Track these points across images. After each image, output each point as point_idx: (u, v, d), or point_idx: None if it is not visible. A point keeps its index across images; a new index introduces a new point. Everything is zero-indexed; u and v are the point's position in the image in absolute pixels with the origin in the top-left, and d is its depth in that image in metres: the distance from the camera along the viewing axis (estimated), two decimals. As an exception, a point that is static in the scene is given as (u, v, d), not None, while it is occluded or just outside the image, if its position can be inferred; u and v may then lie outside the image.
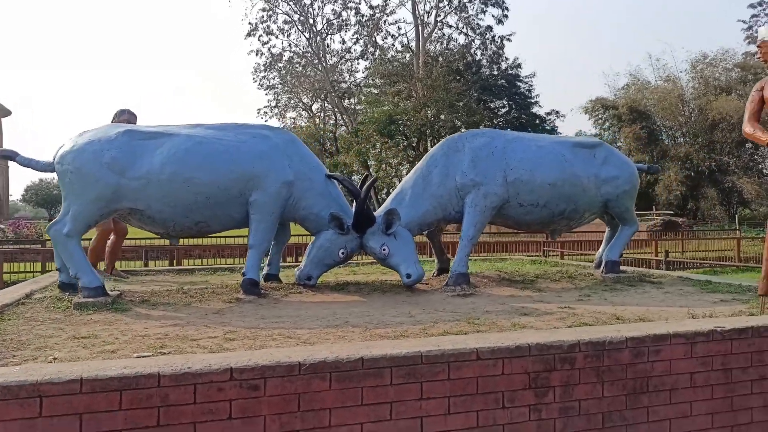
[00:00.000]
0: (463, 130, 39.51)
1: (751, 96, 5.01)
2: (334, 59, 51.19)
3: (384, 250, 6.06)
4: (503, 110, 43.17)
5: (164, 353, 3.43)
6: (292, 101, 56.48)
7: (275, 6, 47.17)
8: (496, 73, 42.42)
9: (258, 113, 53.20)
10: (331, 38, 50.12)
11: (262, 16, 46.94)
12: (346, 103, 50.23)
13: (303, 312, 4.95)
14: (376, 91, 45.59)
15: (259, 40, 49.13)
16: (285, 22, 48.43)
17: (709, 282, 6.62)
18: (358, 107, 45.81)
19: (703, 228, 31.50)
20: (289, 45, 48.18)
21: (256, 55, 49.16)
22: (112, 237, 7.53)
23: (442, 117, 36.44)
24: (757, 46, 4.85)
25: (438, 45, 42.73)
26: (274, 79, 54.42)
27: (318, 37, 49.15)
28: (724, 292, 6.02)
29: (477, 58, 42.00)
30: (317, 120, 54.58)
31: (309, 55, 50.44)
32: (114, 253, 7.58)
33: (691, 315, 4.58)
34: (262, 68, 52.90)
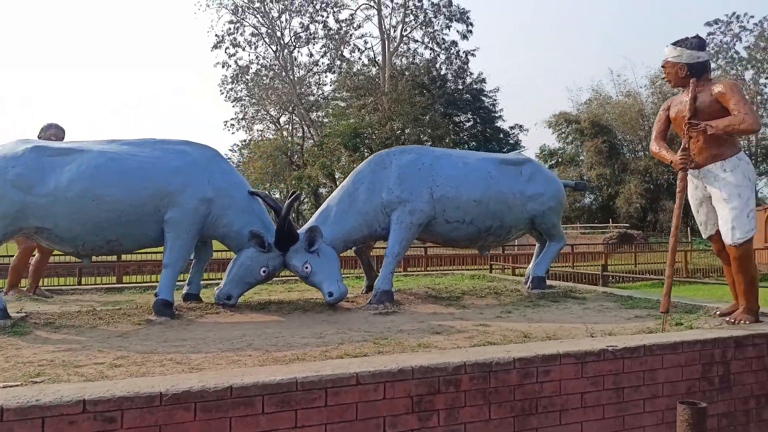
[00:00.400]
0: (428, 143, 39.82)
1: (659, 115, 5.10)
2: (302, 72, 51.12)
3: (306, 268, 5.99)
4: (468, 124, 43.60)
5: (36, 382, 3.29)
6: (259, 113, 56.14)
7: (242, 18, 47.00)
8: (461, 87, 42.87)
9: (225, 126, 52.78)
10: (298, 51, 50.01)
11: (229, 29, 46.68)
12: (313, 116, 50.17)
13: (211, 334, 4.83)
14: (343, 104, 45.66)
15: (225, 52, 48.74)
16: (252, 34, 48.25)
17: (630, 298, 6.70)
18: (325, 120, 45.80)
19: (660, 240, 32.17)
20: (257, 57, 47.84)
21: (222, 67, 48.71)
22: (36, 255, 7.31)
23: (407, 131, 36.63)
24: (662, 66, 4.94)
25: (404, 59, 43.06)
26: (241, 91, 53.96)
27: (285, 50, 49.10)
28: (641, 308, 6.09)
29: (442, 73, 42.42)
30: (284, 133, 54.32)
31: (276, 67, 50.30)
32: (38, 271, 7.36)
33: (590, 334, 4.60)
34: (229, 80, 52.44)
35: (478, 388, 3.47)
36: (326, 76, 50.35)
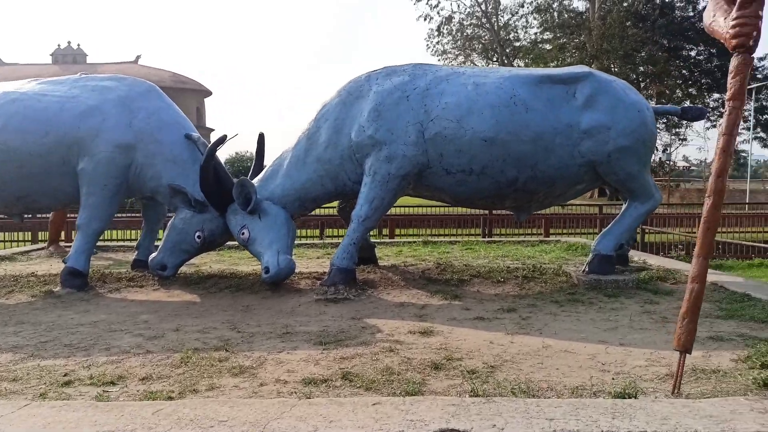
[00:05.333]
0: (642, 84, 34.08)
1: None
2: (507, 16, 47.89)
3: (243, 233, 4.59)
4: (700, 58, 36.18)
5: None
6: (464, 64, 54.51)
7: (444, -34, 45.10)
8: (691, 14, 35.58)
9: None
10: (503, -8, 46.70)
11: (431, -22, 45.18)
12: (516, 63, 46.84)
13: (89, 319, 3.89)
14: (549, 47, 41.52)
15: (427, 4, 47.67)
16: (454, -19, 46.17)
17: (745, 298, 3.98)
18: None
19: None
20: (458, 6, 45.95)
21: (425, 20, 47.78)
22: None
23: (615, 70, 31.51)
24: None
25: (618, -12, 37.21)
26: (447, 44, 52.71)
27: (489, -7, 46.26)
28: (743, 319, 3.51)
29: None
30: (489, 84, 51.69)
31: (479, 14, 47.87)
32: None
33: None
34: (435, 33, 51.45)
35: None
36: (534, 18, 46.41)
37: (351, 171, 4.65)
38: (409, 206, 14.22)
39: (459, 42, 49.61)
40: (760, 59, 33.29)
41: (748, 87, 2.31)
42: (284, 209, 4.67)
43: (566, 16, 38.33)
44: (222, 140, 4.61)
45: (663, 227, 12.46)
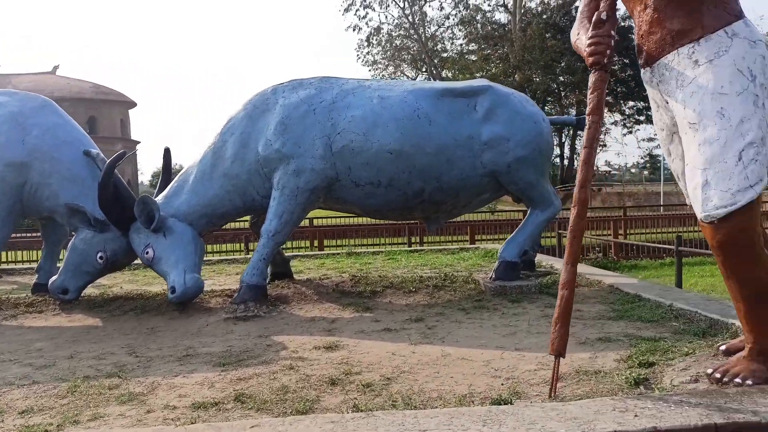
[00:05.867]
0: (562, 93, 35.53)
1: None
2: (433, 28, 48.84)
3: (147, 253, 4.45)
4: (615, 68, 38.19)
5: None
6: (395, 75, 55.06)
7: (372, -23, 45.59)
8: (606, 26, 37.56)
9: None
10: (429, 5, 47.59)
11: (358, -11, 45.46)
12: (444, 73, 47.73)
13: None
14: (474, 58, 42.62)
15: (356, 14, 47.92)
16: (381, -8, 46.64)
17: (636, 299, 4.21)
18: (449, 76, 43.24)
19: None
20: (386, 17, 46.47)
21: (354, 30, 48.04)
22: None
23: (537, 80, 32.75)
24: None
25: (535, 1, 38.77)
26: (377, 54, 53.06)
27: (416, 6, 47.10)
28: (633, 319, 3.71)
29: (584, 11, 37.43)
30: (418, 93, 52.48)
31: (406, 25, 48.58)
32: None
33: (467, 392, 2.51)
34: (365, 44, 51.69)
35: None
36: (460, 30, 47.55)
37: (259, 185, 4.61)
38: (337, 217, 14.20)
39: (389, 52, 50.19)
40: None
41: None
42: (191, 226, 4.56)
43: (489, 28, 39.54)
44: (121, 156, 4.46)
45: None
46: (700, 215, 2.22)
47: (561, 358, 2.37)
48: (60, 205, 4.57)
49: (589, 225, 15.42)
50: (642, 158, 40.02)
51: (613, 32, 2.37)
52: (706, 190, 2.19)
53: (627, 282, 4.91)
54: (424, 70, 48.16)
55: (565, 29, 35.96)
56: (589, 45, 2.37)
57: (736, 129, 2.16)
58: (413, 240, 12.91)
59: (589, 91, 2.42)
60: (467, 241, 13.29)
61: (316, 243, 13.02)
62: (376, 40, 49.05)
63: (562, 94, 36.31)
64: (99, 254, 4.58)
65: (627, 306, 4.05)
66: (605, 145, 40.30)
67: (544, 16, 36.91)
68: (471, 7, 41.16)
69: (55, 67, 44.21)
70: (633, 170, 58.27)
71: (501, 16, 40.67)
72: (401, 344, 3.45)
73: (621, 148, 78.24)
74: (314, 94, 4.65)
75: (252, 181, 4.61)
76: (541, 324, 3.77)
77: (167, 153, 5.17)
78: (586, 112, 2.43)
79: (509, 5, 39.29)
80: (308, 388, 2.73)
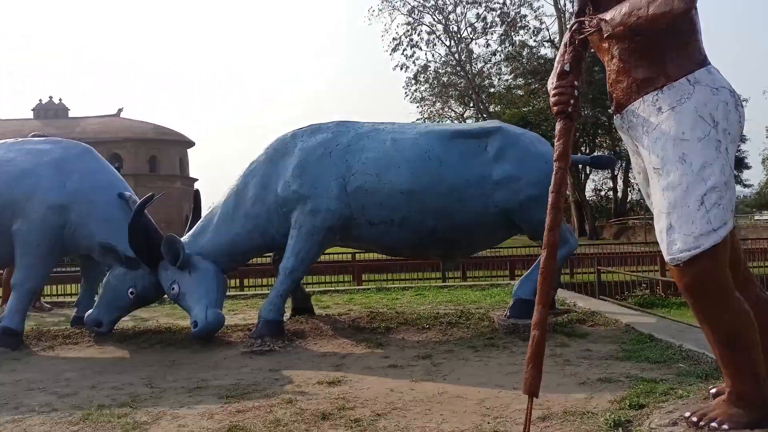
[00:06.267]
0: (612, 125, 34.91)
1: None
2: (480, 64, 49.24)
3: (173, 289, 4.71)
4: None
5: None
6: (443, 111, 55.63)
7: (419, 19, 46.59)
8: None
9: (409, 127, 53.04)
10: (475, 42, 48.14)
11: (406, 30, 46.52)
12: (492, 108, 47.85)
13: (12, 377, 4.01)
14: (521, 92, 42.66)
15: (403, 54, 48.82)
16: (428, 32, 47.64)
17: (649, 339, 4.14)
18: (497, 110, 43.35)
19: None
20: (432, 55, 47.23)
21: (401, 69, 48.92)
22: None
23: (586, 112, 32.37)
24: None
25: (583, 35, 38.69)
26: (425, 91, 53.78)
27: (462, 44, 47.73)
28: (640, 360, 3.69)
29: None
30: (467, 129, 52.87)
31: (452, 63, 49.17)
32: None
33: None
34: (413, 81, 52.51)
35: None
36: (506, 66, 47.79)
37: (278, 225, 4.83)
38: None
39: (436, 89, 50.75)
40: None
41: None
42: (214, 264, 4.80)
43: (536, 63, 39.50)
44: (149, 199, 4.78)
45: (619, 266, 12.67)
46: (666, 258, 2.26)
47: (535, 398, 2.41)
48: (96, 244, 4.90)
49: (636, 260, 15.03)
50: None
51: (576, 83, 2.46)
52: (671, 234, 2.23)
53: (645, 321, 4.84)
54: (471, 105, 48.49)
55: (613, 62, 35.67)
56: (553, 95, 2.47)
57: (698, 174, 2.21)
58: (451, 275, 12.88)
59: (555, 139, 2.51)
60: (507, 276, 13.17)
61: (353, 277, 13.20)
62: (424, 77, 49.77)
63: (614, 127, 35.70)
64: (130, 290, 4.87)
65: (637, 346, 4.00)
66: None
67: (592, 50, 36.78)
68: (517, 43, 41.41)
69: (120, 110, 46.71)
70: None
71: (547, 51, 40.77)
72: (403, 381, 3.53)
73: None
74: (330, 138, 4.87)
75: (271, 221, 4.83)
76: (547, 363, 3.74)
77: (197, 195, 5.48)
78: (553, 158, 2.52)
79: (555, 41, 39.40)
80: (300, 421, 2.84)
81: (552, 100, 2.48)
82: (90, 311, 4.99)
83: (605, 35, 2.34)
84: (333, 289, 8.82)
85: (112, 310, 4.93)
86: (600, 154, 6.79)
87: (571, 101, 2.44)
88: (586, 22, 2.42)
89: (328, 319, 5.24)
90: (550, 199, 2.44)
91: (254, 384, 3.58)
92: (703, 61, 2.35)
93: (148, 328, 5.27)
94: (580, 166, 37.40)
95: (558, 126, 2.49)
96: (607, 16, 2.30)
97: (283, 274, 4.68)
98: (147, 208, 4.77)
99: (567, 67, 2.45)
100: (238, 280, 11.80)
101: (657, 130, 2.33)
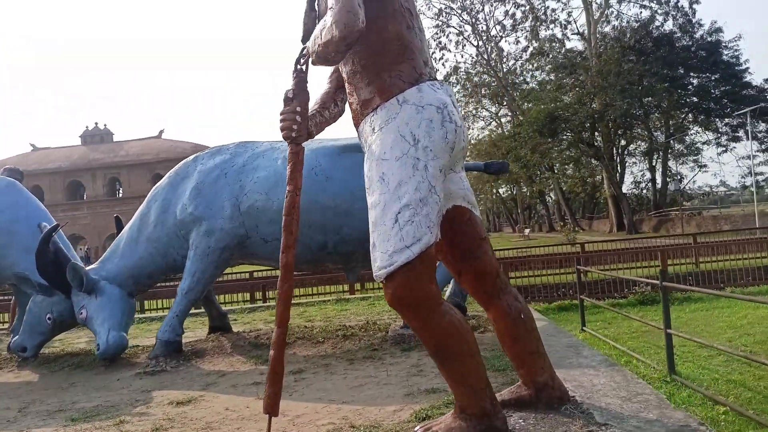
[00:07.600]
0: (640, 113, 33.67)
1: None
2: (511, 62, 48.66)
3: (81, 313, 4.92)
4: (695, 83, 35.68)
5: None
6: (477, 111, 55.27)
7: (447, 21, 46.46)
8: (689, 43, 35.48)
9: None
10: (505, 40, 47.56)
11: (434, 33, 46.45)
12: (525, 105, 47.13)
13: None
14: (550, 87, 41.81)
15: (432, 56, 48.75)
16: (456, 34, 47.44)
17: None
18: (529, 106, 42.64)
19: None
20: (462, 56, 46.86)
21: (431, 72, 48.88)
22: None
23: (616, 104, 31.35)
24: None
25: (611, 25, 37.60)
26: (457, 92, 53.56)
27: (492, 43, 47.28)
28: (488, 369, 3.56)
29: (666, 31, 35.67)
30: (502, 129, 52.60)
31: (483, 62, 48.76)
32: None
33: None
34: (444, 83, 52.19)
35: None
36: (533, 62, 47.07)
37: (178, 247, 4.97)
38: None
39: (468, 89, 50.37)
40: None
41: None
42: (120, 287, 4.99)
43: (565, 58, 38.66)
44: (54, 228, 5.01)
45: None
46: (374, 276, 2.26)
47: (274, 417, 2.43)
48: (12, 274, 5.17)
49: (647, 256, 14.46)
50: (742, 177, 36.71)
51: (299, 108, 2.48)
52: (373, 252, 2.24)
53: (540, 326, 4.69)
54: (504, 103, 47.95)
55: (642, 51, 34.57)
56: (280, 121, 2.50)
57: (394, 192, 2.21)
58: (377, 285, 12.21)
59: (287, 162, 2.54)
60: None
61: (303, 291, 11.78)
62: (455, 78, 49.49)
63: (650, 117, 34.52)
64: (48, 315, 5.11)
65: (495, 353, 3.92)
66: (704, 166, 37.74)
67: (625, 39, 35.71)
68: (542, 38, 40.65)
69: (161, 132, 48.47)
70: (734, 190, 53.86)
71: (578, 44, 39.88)
72: (249, 399, 3.59)
73: (718, 168, 72.59)
74: (228, 159, 4.99)
75: (171, 243, 4.98)
76: (400, 374, 3.75)
77: (118, 221, 5.69)
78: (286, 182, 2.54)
79: (584, 33, 38.49)
80: (105, 444, 2.95)
81: (279, 125, 2.50)
82: (16, 337, 5.27)
83: (312, 62, 2.36)
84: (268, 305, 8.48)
85: (35, 336, 5.18)
86: (493, 161, 6.65)
87: (294, 126, 2.46)
88: (306, 49, 2.45)
89: (236, 337, 5.35)
90: (283, 222, 2.48)
91: (113, 406, 3.71)
92: (416, 80, 2.34)
93: (69, 352, 5.51)
94: (617, 160, 36.53)
95: (288, 150, 2.52)
96: (309, 43, 2.32)
97: (180, 295, 4.81)
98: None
99: (290, 94, 2.48)
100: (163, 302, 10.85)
101: (369, 151, 2.35)
